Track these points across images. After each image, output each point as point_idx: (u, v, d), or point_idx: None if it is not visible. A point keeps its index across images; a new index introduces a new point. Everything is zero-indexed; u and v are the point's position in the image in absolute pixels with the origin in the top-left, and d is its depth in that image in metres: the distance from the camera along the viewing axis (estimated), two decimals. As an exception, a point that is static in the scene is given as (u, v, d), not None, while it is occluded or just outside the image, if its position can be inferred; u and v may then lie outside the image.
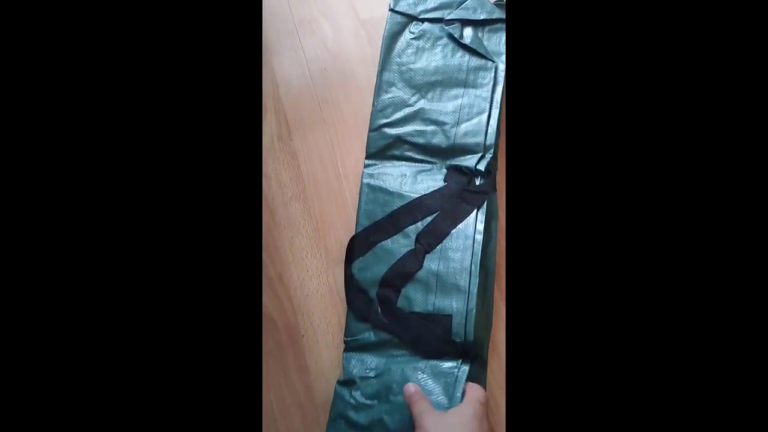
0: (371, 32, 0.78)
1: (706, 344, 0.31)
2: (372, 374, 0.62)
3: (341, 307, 0.68)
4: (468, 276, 0.61)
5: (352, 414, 0.61)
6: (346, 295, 0.66)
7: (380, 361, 0.63)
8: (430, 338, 0.61)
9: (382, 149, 0.70)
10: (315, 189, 0.74)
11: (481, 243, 0.62)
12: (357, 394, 0.61)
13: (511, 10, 0.38)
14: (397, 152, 0.70)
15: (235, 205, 0.34)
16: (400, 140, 0.69)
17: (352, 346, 0.65)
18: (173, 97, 0.33)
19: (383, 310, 0.64)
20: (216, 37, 0.34)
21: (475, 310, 0.60)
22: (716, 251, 0.32)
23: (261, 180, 0.73)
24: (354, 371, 0.63)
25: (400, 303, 0.63)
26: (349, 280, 0.67)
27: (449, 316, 0.61)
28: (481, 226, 0.63)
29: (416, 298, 0.63)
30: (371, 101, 0.72)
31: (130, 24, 0.33)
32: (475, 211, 0.63)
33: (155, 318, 0.32)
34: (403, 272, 0.64)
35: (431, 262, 0.63)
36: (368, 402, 0.61)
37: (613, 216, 0.33)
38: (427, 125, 0.68)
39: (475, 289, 0.61)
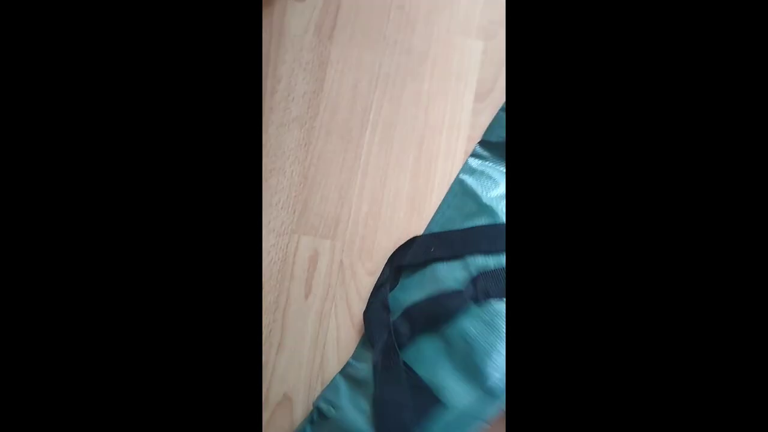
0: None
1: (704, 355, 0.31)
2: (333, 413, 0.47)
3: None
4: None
5: None
6: (367, 307, 0.49)
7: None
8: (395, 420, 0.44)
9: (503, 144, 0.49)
10: (329, 124, 0.50)
11: None
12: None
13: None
14: None
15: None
16: None
17: (346, 371, 0.49)
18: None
19: (386, 349, 0.46)
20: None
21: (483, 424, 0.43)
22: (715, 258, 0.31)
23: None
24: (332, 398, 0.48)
25: (407, 353, 0.45)
26: (378, 290, 0.49)
27: (441, 405, 0.43)
28: None
29: (426, 358, 0.44)
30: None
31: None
32: None
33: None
34: (433, 314, 0.44)
35: (470, 320, 0.43)
36: None
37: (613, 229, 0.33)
38: None
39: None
